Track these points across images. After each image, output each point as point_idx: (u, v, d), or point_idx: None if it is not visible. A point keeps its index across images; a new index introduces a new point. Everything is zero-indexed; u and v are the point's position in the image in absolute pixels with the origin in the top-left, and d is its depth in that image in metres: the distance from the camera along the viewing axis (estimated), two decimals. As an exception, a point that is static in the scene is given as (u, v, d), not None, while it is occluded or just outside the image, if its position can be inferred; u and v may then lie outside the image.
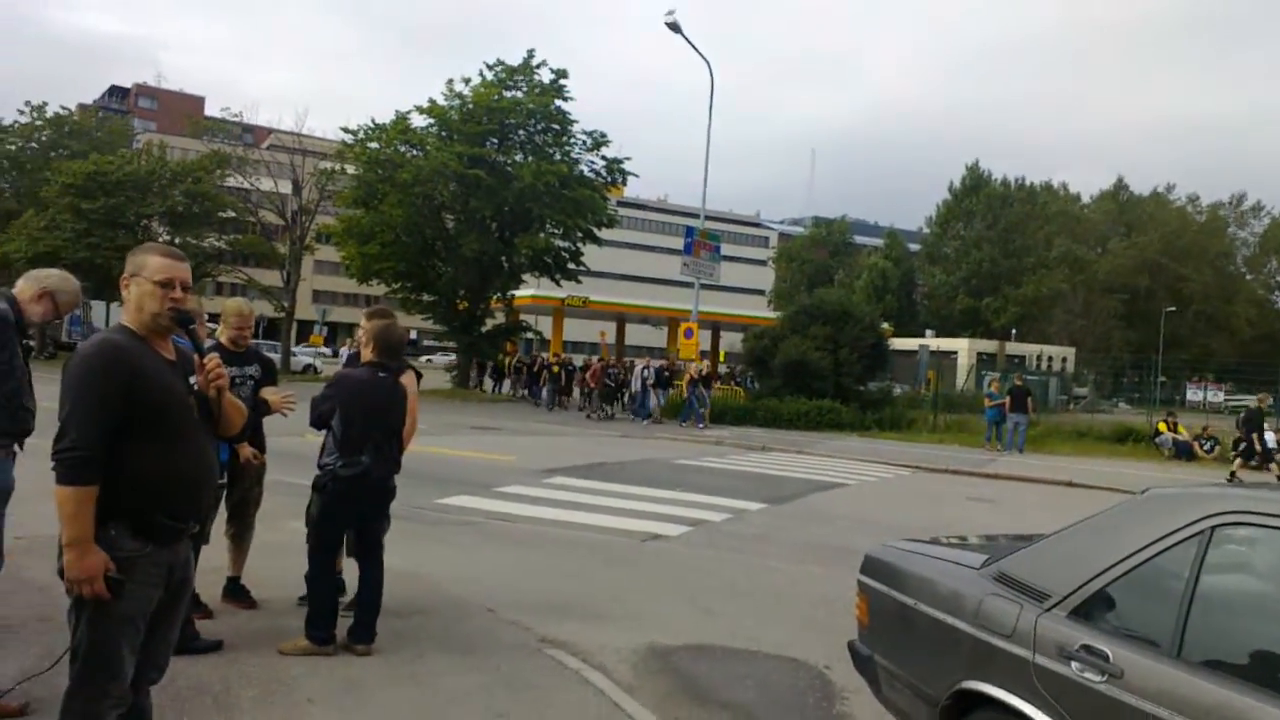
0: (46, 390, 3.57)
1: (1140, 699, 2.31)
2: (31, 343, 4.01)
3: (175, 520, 2.64)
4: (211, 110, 62.03)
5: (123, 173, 36.61)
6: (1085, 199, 70.98)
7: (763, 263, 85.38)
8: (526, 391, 30.05)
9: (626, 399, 25.25)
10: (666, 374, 24.24)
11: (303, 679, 4.13)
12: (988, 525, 10.00)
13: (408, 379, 5.08)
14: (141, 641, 2.63)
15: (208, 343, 4.11)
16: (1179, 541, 2.49)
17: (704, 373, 23.66)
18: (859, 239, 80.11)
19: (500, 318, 33.88)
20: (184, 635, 3.60)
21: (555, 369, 27.58)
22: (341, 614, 4.65)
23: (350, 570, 4.74)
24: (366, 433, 4.49)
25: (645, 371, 24.11)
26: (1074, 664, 2.51)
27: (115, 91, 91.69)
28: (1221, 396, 34.02)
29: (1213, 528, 2.44)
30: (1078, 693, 2.47)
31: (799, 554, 7.99)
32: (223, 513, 4.84)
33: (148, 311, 2.66)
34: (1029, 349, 49.16)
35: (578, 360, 29.82)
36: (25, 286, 3.80)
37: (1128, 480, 14.17)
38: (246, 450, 4.77)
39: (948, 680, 2.93)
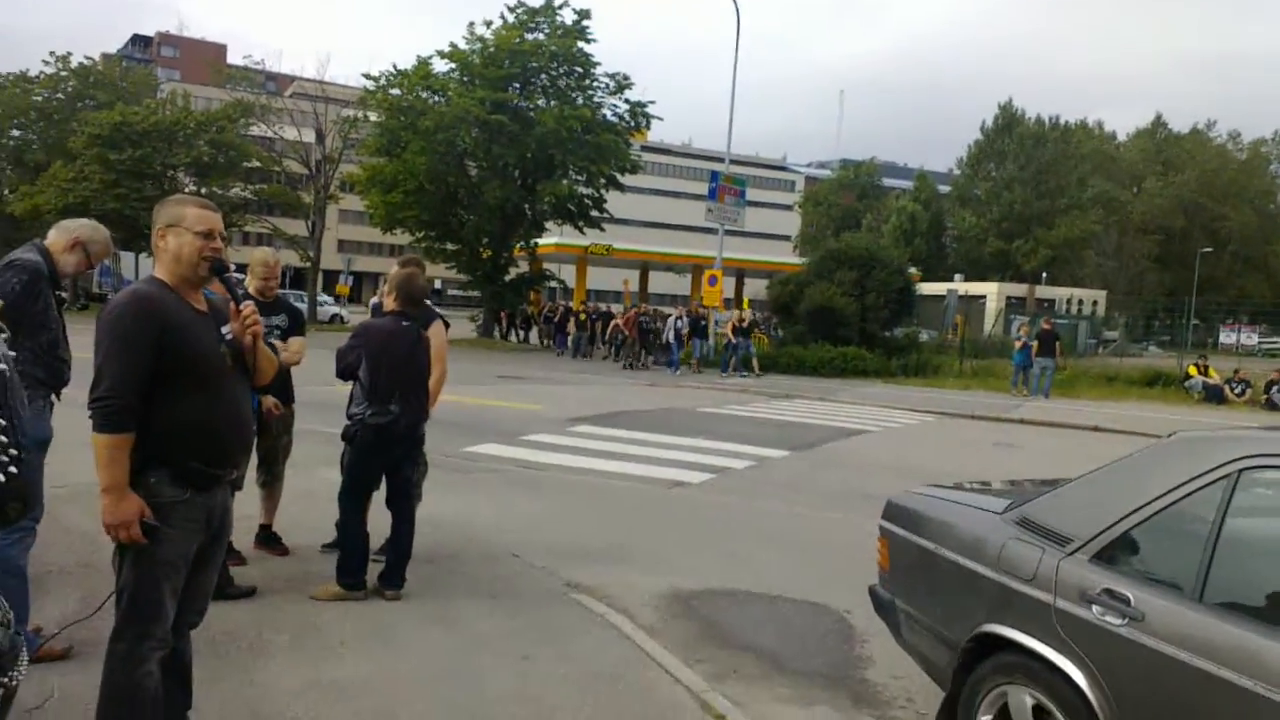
0: (80, 341, 3.63)
1: (1161, 642, 2.31)
2: (64, 294, 4.04)
3: (213, 468, 2.70)
4: (234, 58, 61.70)
5: (148, 123, 36.70)
6: (1121, 137, 69.11)
7: (788, 207, 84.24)
8: (551, 341, 29.63)
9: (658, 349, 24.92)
10: (702, 323, 23.72)
11: (334, 624, 4.24)
12: (1012, 471, 9.97)
13: (436, 328, 5.11)
14: (182, 585, 2.72)
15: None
16: (1205, 485, 2.46)
17: (746, 322, 23.11)
18: (888, 182, 78.70)
19: (524, 267, 33.85)
20: (220, 581, 3.71)
21: (583, 317, 27.33)
22: (372, 560, 4.75)
23: (381, 517, 4.82)
24: (393, 382, 4.53)
25: (679, 321, 23.47)
26: (1095, 608, 2.51)
27: (138, 40, 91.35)
28: (1255, 339, 33.40)
29: (1240, 470, 2.41)
30: (1099, 636, 2.48)
31: (822, 500, 8.02)
32: (254, 461, 4.93)
33: (186, 262, 2.69)
34: (1059, 292, 48.44)
35: (604, 308, 29.45)
36: (57, 238, 3.83)
37: (1155, 425, 14.03)
38: (268, 401, 4.83)
39: (968, 624, 2.94)
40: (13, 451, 1.62)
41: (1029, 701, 2.69)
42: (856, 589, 4.98)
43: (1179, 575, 2.42)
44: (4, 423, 1.65)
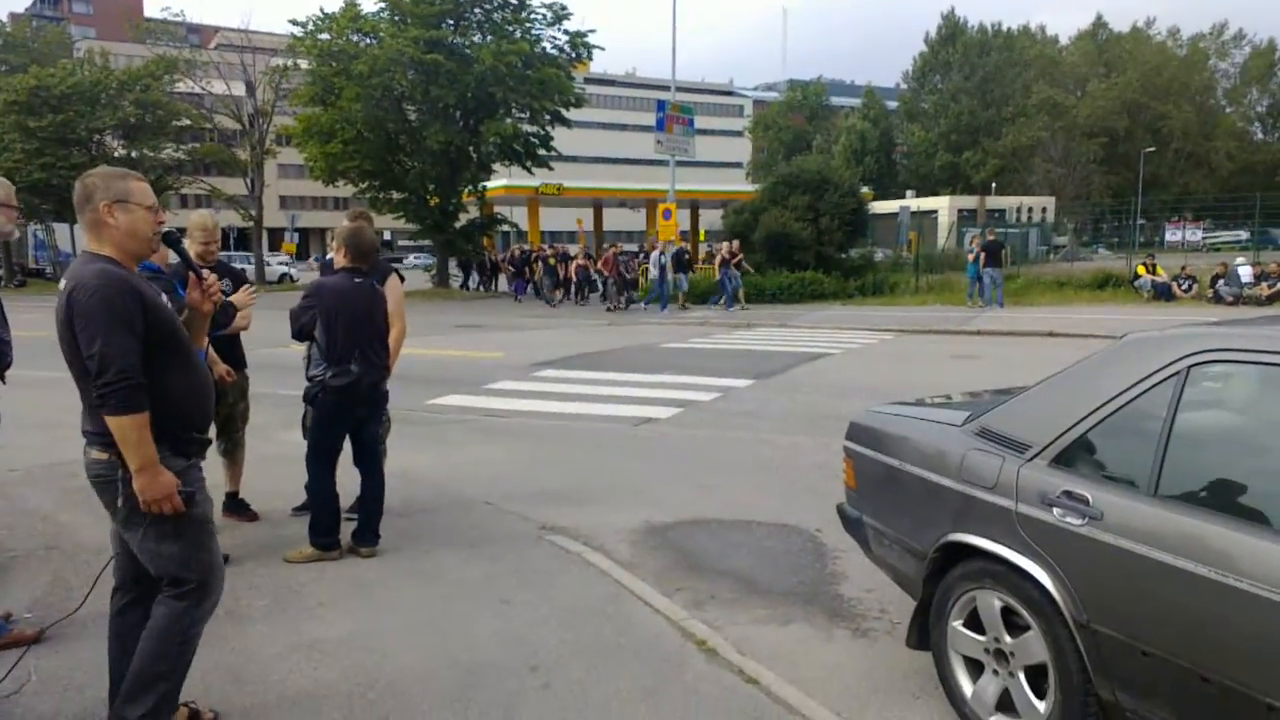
0: (22, 319, 3.49)
1: (1120, 537, 2.39)
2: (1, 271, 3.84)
3: (201, 433, 2.82)
4: (151, 11, 58.88)
5: (66, 85, 35.06)
6: (1064, 41, 69.11)
7: (738, 133, 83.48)
8: (512, 288, 28.73)
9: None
10: (686, 256, 23.03)
11: (311, 585, 4.24)
12: (972, 382, 10.12)
13: (391, 282, 5.01)
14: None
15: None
16: (1156, 383, 2.52)
17: (735, 253, 22.12)
18: (836, 100, 78.22)
19: (474, 212, 33.27)
20: None
21: (551, 260, 26.38)
22: (344, 519, 4.73)
23: (350, 476, 4.79)
24: (351, 341, 4.44)
25: (662, 256, 22.47)
26: (1055, 510, 2.58)
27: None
28: (1200, 235, 34.12)
29: (1189, 367, 2.46)
30: (1060, 536, 2.55)
31: (788, 426, 8.13)
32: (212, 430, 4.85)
33: (141, 238, 2.69)
34: (1009, 202, 48.85)
35: (563, 250, 28.78)
36: None
37: (1107, 326, 14.38)
38: (219, 368, 4.72)
39: (934, 534, 3.02)
40: None
41: (997, 604, 2.78)
42: (825, 509, 5.08)
43: (1135, 473, 2.48)
44: None
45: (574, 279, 25.59)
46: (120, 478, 2.58)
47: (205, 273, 2.84)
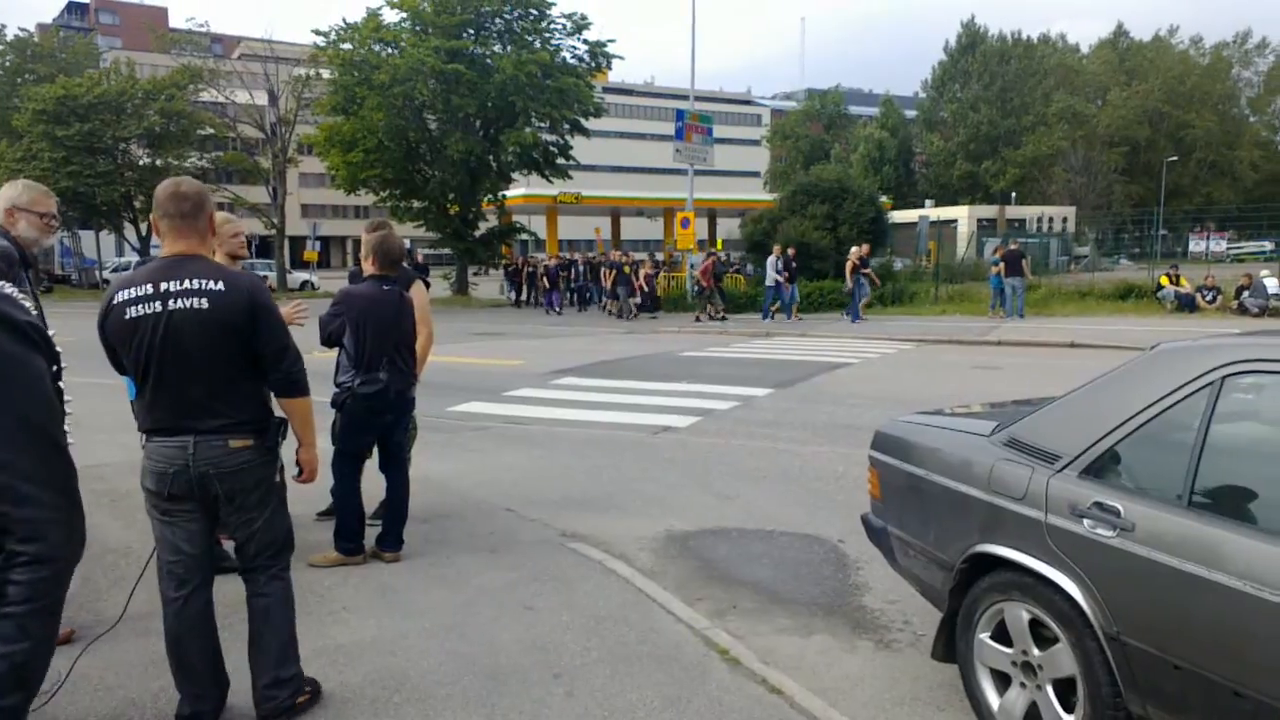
0: (59, 324, 3.54)
1: (1152, 550, 2.36)
2: (41, 274, 3.87)
3: None
4: (176, 21, 59.67)
5: (93, 95, 35.60)
6: (1084, 49, 68.80)
7: (756, 142, 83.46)
8: (546, 300, 26.19)
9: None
10: (793, 265, 21.09)
11: (336, 589, 4.27)
12: (993, 393, 10.10)
13: (417, 289, 5.04)
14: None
15: None
16: (1189, 395, 2.50)
17: (864, 257, 20.64)
18: (854, 109, 78.06)
19: (493, 221, 33.43)
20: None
21: (626, 269, 23.78)
22: (368, 524, 4.76)
23: (374, 482, 4.82)
24: (380, 348, 4.48)
25: (777, 263, 20.64)
26: (1086, 521, 2.56)
27: (74, 8, 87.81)
28: (1224, 245, 33.77)
29: (1223, 378, 2.44)
30: (1090, 548, 2.53)
31: (808, 435, 8.11)
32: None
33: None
34: (1029, 211, 48.60)
35: (621, 257, 25.34)
36: None
37: (1130, 337, 14.24)
38: None
39: (962, 545, 3.00)
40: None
41: (1025, 616, 2.76)
42: (847, 519, 5.07)
43: (1167, 484, 2.46)
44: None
45: (644, 289, 23.48)
46: (262, 460, 2.89)
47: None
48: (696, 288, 22.15)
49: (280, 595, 3.05)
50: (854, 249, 20.77)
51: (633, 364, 13.25)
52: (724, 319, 20.93)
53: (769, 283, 21.03)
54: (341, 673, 3.42)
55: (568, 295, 26.92)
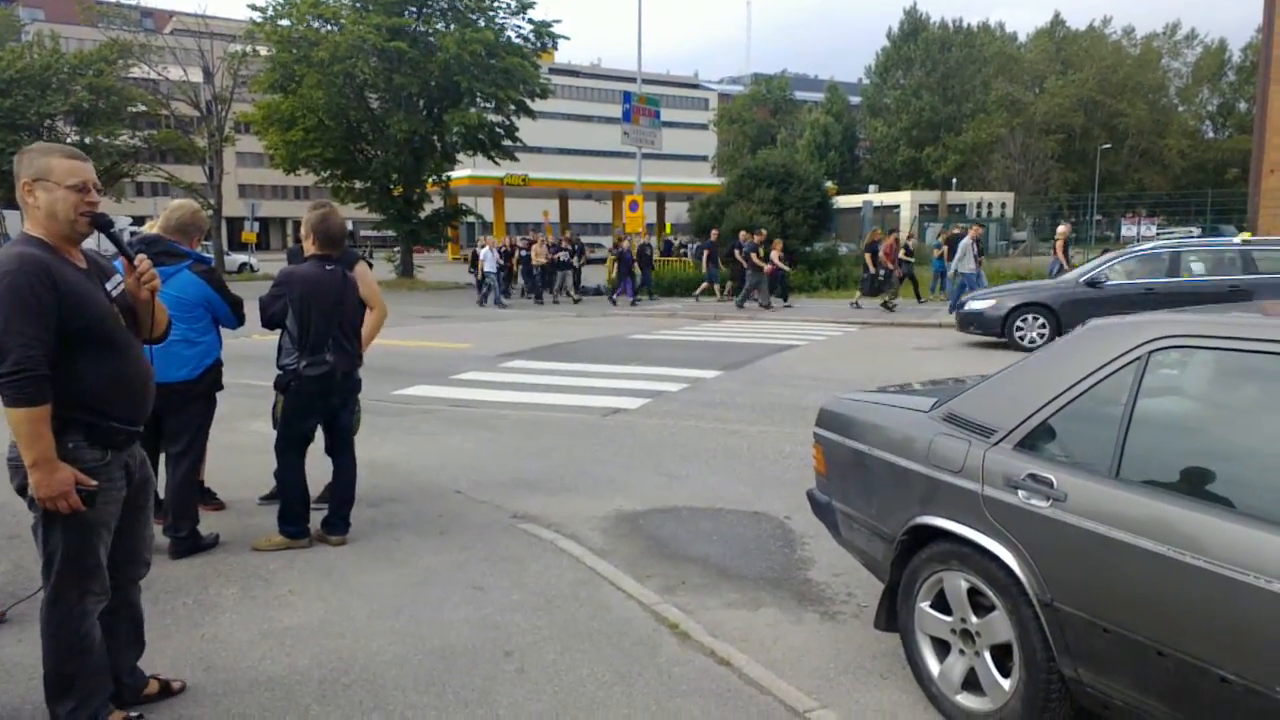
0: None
1: (1083, 519, 2.46)
2: None
3: (127, 425, 2.68)
4: (102, -6, 57.25)
5: (15, 69, 34.08)
6: (1022, 38, 70.28)
7: (704, 126, 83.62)
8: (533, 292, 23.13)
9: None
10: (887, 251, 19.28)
11: (281, 572, 4.21)
12: (934, 372, 10.34)
13: (360, 269, 4.96)
14: (113, 539, 2.70)
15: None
16: (1118, 369, 2.60)
17: (906, 243, 20.23)
18: (800, 95, 78.67)
19: (438, 202, 32.96)
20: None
21: (581, 257, 23.17)
22: (313, 508, 4.69)
23: (318, 465, 4.75)
24: (325, 329, 4.40)
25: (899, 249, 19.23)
26: (1021, 492, 2.65)
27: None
28: (1154, 230, 34.94)
29: (1150, 353, 2.55)
30: (1025, 518, 2.63)
31: (755, 415, 8.21)
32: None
33: (63, 219, 2.55)
34: (969, 197, 49.60)
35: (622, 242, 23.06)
36: None
37: (1066, 319, 14.60)
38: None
39: (902, 517, 3.09)
40: None
41: (964, 585, 2.85)
42: (793, 496, 5.16)
43: (1097, 456, 2.56)
44: None
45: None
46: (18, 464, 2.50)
47: (139, 258, 2.71)
48: (883, 272, 19.19)
49: (43, 642, 2.63)
50: (891, 235, 20.16)
51: (582, 347, 13.24)
52: (893, 309, 18.50)
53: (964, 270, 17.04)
54: (289, 655, 3.38)
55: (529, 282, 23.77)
